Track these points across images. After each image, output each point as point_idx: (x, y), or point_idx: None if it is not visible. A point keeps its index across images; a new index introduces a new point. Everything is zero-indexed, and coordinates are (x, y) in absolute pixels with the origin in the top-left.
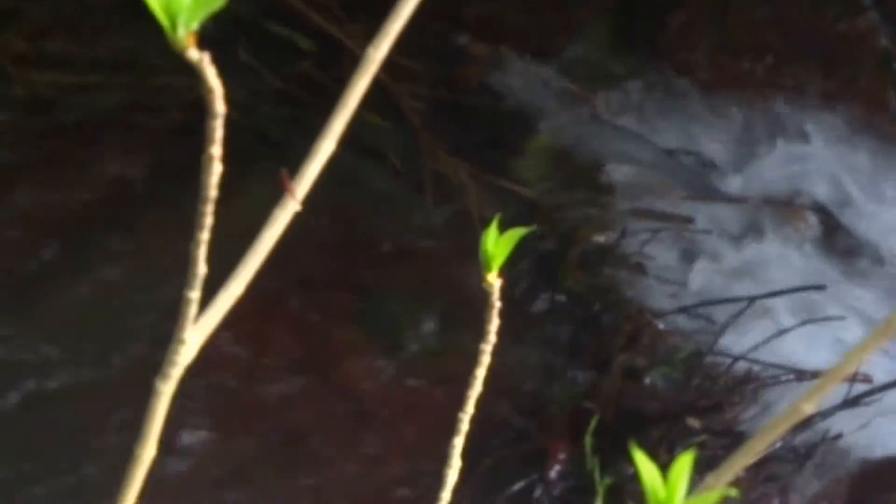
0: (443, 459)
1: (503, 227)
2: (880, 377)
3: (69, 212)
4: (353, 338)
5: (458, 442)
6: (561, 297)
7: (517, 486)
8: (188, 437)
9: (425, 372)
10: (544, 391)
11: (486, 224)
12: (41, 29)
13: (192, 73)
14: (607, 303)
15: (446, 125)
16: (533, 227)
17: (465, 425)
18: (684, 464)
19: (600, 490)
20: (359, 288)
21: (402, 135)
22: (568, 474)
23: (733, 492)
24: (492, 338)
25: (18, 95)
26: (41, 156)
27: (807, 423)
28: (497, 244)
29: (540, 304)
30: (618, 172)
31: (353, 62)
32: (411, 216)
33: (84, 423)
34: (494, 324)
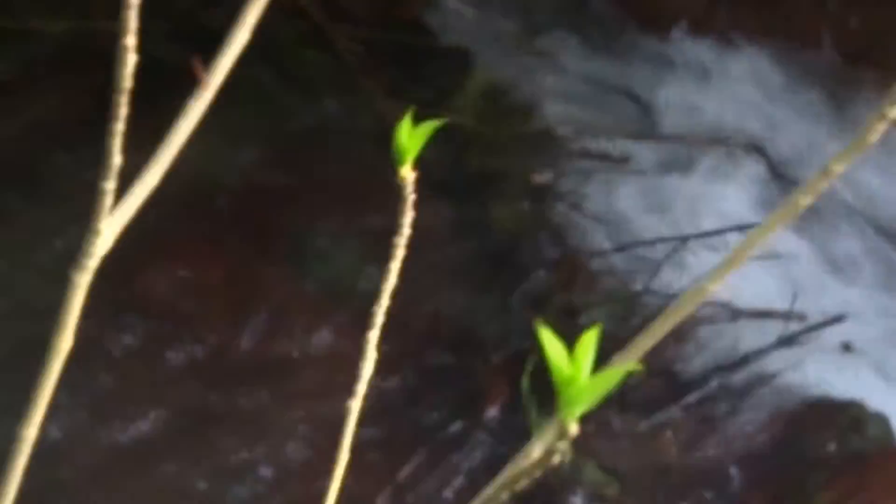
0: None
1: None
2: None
3: None
4: (286, 276)
5: (373, 335)
6: (494, 236)
7: (454, 427)
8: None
9: (356, 308)
10: (479, 332)
11: (423, 163)
12: None
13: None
14: (543, 242)
15: (383, 65)
16: (446, 119)
17: (379, 319)
18: (589, 340)
19: (536, 430)
20: (292, 228)
21: (338, 73)
22: (506, 415)
23: (638, 366)
24: (406, 230)
25: None
26: None
27: (743, 362)
28: (410, 137)
29: (473, 243)
30: (555, 111)
31: None
32: (348, 155)
33: None
34: (409, 216)
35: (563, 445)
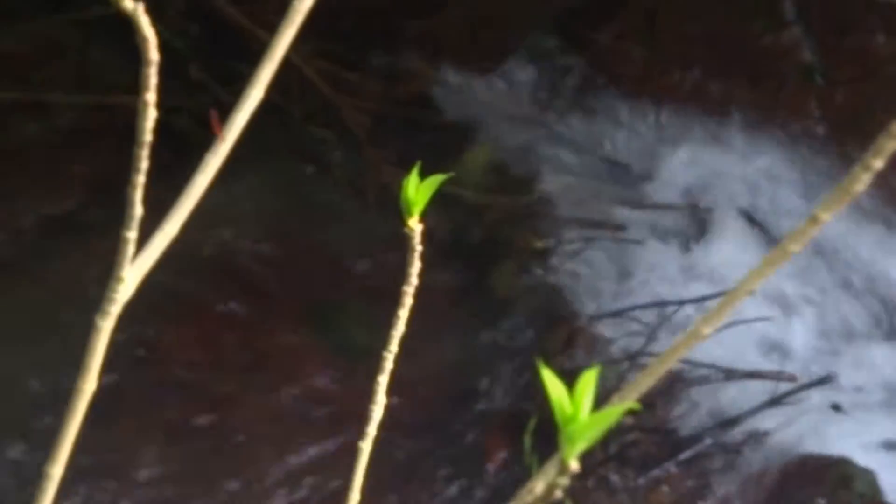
0: (389, 451)
1: (450, 238)
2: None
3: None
4: (301, 341)
5: (383, 379)
6: (496, 301)
7: (457, 484)
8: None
9: (371, 371)
10: (482, 393)
11: (429, 234)
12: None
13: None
14: (543, 306)
15: (389, 138)
16: (451, 174)
17: (389, 364)
18: (590, 379)
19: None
20: (305, 296)
21: (345, 147)
22: (507, 473)
23: (636, 406)
24: (413, 280)
25: None
26: None
27: (735, 422)
28: (418, 191)
29: (475, 307)
30: (553, 181)
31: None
32: (355, 226)
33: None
34: (416, 266)
35: (564, 481)
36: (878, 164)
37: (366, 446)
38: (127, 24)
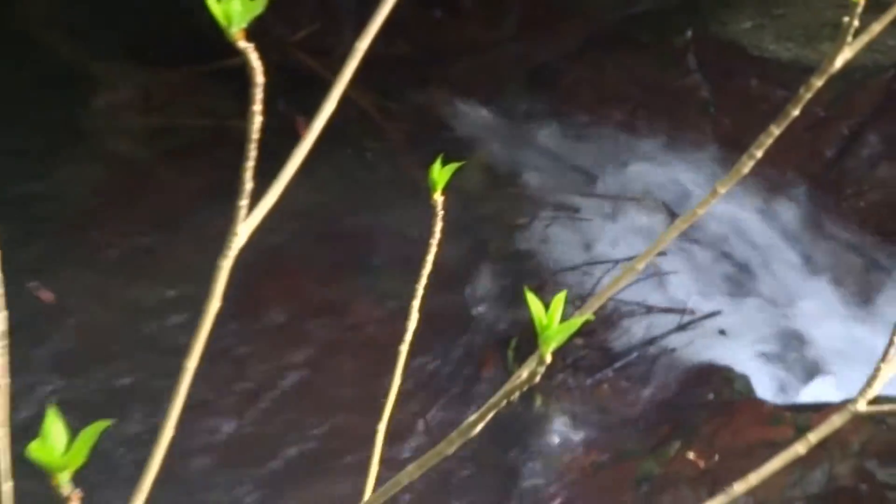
0: (412, 364)
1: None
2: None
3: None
4: (355, 289)
5: (415, 303)
6: (489, 259)
7: (460, 386)
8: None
9: (405, 312)
10: (479, 322)
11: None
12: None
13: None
14: (523, 263)
15: (417, 148)
16: (462, 163)
17: (420, 291)
18: (559, 300)
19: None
20: (355, 258)
21: (387, 154)
22: (496, 378)
23: (591, 317)
24: (437, 234)
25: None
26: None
27: (652, 342)
28: (440, 174)
29: (476, 265)
30: (531, 178)
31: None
32: (393, 209)
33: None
34: (439, 226)
35: (541, 369)
36: (758, 153)
37: (404, 349)
38: (234, 73)
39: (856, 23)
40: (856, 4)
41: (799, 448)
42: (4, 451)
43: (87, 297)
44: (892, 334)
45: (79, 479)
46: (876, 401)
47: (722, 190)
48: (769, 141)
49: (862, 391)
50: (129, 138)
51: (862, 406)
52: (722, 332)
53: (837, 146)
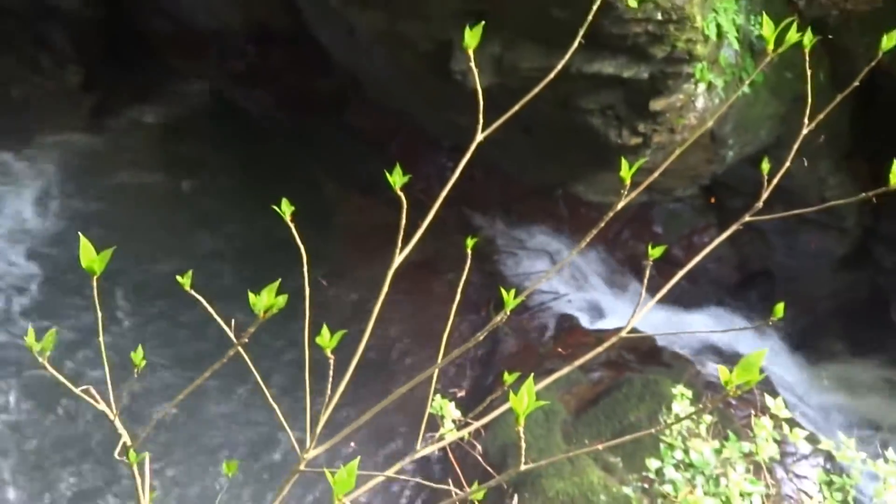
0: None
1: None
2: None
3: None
4: (440, 292)
5: (458, 293)
6: (482, 275)
7: (468, 321)
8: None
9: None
10: (479, 297)
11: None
12: None
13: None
14: (496, 273)
15: (456, 228)
16: (475, 240)
17: (459, 292)
18: (512, 290)
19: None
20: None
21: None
22: (486, 318)
23: (523, 298)
24: (467, 268)
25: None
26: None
27: (543, 303)
28: (470, 242)
29: (477, 283)
30: (503, 243)
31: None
32: (452, 249)
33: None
34: (468, 264)
35: (505, 317)
36: (593, 233)
37: (456, 301)
38: (395, 201)
39: (625, 193)
40: (625, 187)
41: (599, 349)
42: None
43: (344, 286)
44: (639, 301)
45: None
46: (632, 330)
47: (576, 251)
48: (595, 230)
49: (626, 325)
50: (350, 232)
51: (624, 333)
52: (569, 301)
53: (613, 231)
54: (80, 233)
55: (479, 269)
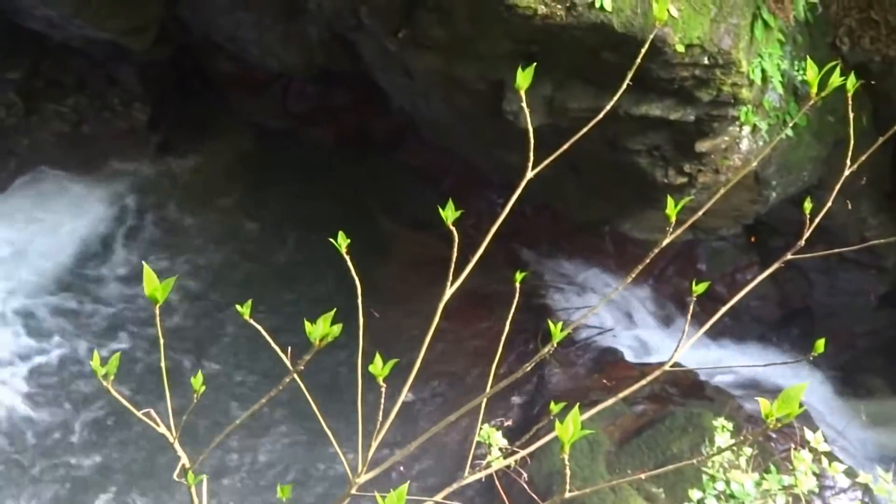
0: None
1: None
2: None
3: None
4: (488, 325)
5: (507, 325)
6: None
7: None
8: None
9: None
10: (528, 330)
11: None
12: None
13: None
14: (542, 306)
15: (504, 264)
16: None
17: (508, 322)
18: (559, 325)
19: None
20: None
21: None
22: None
23: (570, 331)
24: (515, 300)
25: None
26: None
27: (588, 338)
28: (519, 276)
29: (523, 312)
30: (546, 274)
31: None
32: (501, 285)
33: None
34: (516, 298)
35: (551, 349)
36: (638, 268)
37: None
38: (446, 235)
39: (670, 230)
40: (670, 224)
41: (643, 382)
42: None
43: (396, 317)
44: (681, 336)
45: None
46: (675, 364)
47: (623, 284)
48: (641, 265)
49: (669, 359)
50: (404, 265)
51: (667, 366)
52: (615, 336)
53: (658, 268)
54: (144, 262)
55: (526, 303)
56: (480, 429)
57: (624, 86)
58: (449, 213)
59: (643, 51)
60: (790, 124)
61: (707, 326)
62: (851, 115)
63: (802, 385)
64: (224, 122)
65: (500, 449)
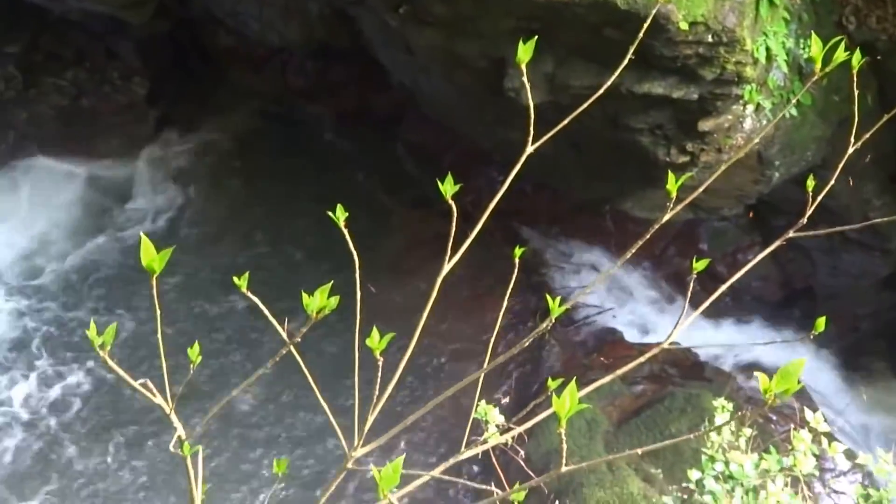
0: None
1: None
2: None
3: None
4: (486, 302)
5: (505, 299)
6: (530, 286)
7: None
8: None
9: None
10: (528, 307)
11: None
12: None
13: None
14: (543, 284)
15: (504, 241)
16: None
17: (506, 298)
18: (557, 299)
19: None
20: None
21: (494, 243)
22: (533, 325)
23: (569, 307)
24: (514, 277)
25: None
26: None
27: (587, 317)
28: (518, 251)
29: (525, 290)
30: (546, 252)
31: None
32: (500, 261)
33: None
34: (514, 275)
35: (549, 324)
36: (636, 246)
37: (502, 312)
38: (445, 211)
39: (670, 206)
40: (671, 200)
41: (640, 359)
42: None
43: (394, 293)
44: (681, 314)
45: None
46: (673, 343)
47: (621, 262)
48: (640, 241)
49: (668, 338)
50: (403, 241)
51: (666, 345)
52: (614, 316)
53: (659, 248)
54: (142, 233)
55: (526, 281)
56: (477, 405)
57: (626, 60)
58: (448, 188)
59: (644, 26)
60: (793, 101)
61: (707, 304)
62: (856, 92)
63: (801, 360)
64: (223, 97)
65: (497, 426)
